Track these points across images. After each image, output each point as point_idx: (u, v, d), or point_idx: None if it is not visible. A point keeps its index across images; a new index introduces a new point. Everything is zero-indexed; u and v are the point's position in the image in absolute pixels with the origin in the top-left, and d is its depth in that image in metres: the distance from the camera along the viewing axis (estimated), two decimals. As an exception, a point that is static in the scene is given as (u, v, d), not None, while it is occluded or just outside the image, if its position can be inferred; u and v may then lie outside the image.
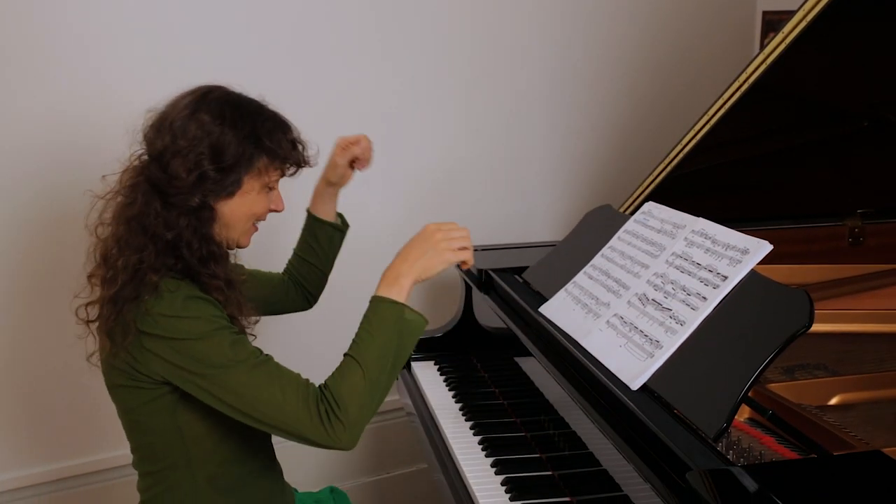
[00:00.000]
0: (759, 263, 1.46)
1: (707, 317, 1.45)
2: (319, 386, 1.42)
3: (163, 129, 1.44)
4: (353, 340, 1.46)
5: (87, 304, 1.50)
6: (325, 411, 1.37)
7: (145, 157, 1.48)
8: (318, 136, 2.18)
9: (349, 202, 2.61)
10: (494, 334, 2.17)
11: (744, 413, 1.49)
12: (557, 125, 2.93)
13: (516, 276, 2.09)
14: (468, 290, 2.28)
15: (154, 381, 1.44)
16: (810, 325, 1.28)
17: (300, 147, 1.55)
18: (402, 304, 1.47)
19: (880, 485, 1.15)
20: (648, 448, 1.31)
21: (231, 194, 1.47)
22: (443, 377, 2.19)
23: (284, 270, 1.98)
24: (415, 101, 2.69)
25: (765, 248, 1.46)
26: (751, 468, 1.18)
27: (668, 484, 1.22)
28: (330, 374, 1.43)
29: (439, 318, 2.62)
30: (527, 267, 2.08)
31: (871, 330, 1.87)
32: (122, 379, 1.46)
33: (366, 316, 1.48)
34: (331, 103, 2.53)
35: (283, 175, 1.56)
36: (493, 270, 2.13)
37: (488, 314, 2.15)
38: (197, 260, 1.44)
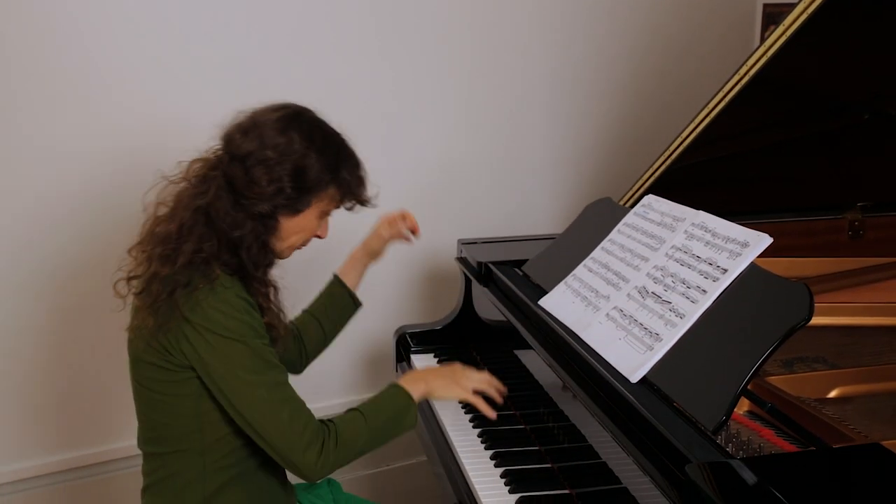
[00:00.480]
0: (758, 256, 1.46)
1: (707, 310, 1.45)
2: (325, 421, 1.53)
3: (251, 133, 1.51)
4: (366, 403, 1.60)
5: (129, 279, 1.54)
6: (324, 443, 1.49)
7: (224, 154, 1.54)
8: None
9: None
10: (494, 327, 2.17)
11: (743, 406, 1.50)
12: (557, 119, 2.92)
13: (516, 269, 2.09)
14: (468, 282, 2.28)
15: (184, 366, 1.49)
16: (810, 318, 1.28)
17: (365, 185, 1.66)
18: (414, 401, 1.62)
19: (879, 477, 1.15)
20: (648, 441, 1.31)
21: (297, 212, 1.56)
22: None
23: (297, 326, 1.97)
24: (414, 97, 2.69)
25: (765, 241, 1.47)
26: (750, 461, 1.18)
27: (667, 476, 1.23)
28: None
29: (439, 311, 2.63)
30: (526, 260, 2.08)
31: (870, 323, 1.87)
32: (153, 357, 1.50)
33: (383, 392, 1.63)
34: (330, 100, 2.49)
35: (338, 206, 1.65)
36: (493, 263, 2.13)
37: (488, 307, 2.15)
38: (253, 263, 1.52)
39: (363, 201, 1.67)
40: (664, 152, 2.05)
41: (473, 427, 1.87)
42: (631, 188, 2.16)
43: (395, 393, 1.62)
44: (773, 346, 1.28)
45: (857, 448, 1.29)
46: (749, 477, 1.13)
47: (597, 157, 3.02)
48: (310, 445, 1.47)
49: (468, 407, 1.97)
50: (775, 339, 1.28)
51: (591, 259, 1.82)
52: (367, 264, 2.03)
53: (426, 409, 2.04)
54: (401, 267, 2.80)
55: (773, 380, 1.59)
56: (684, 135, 1.99)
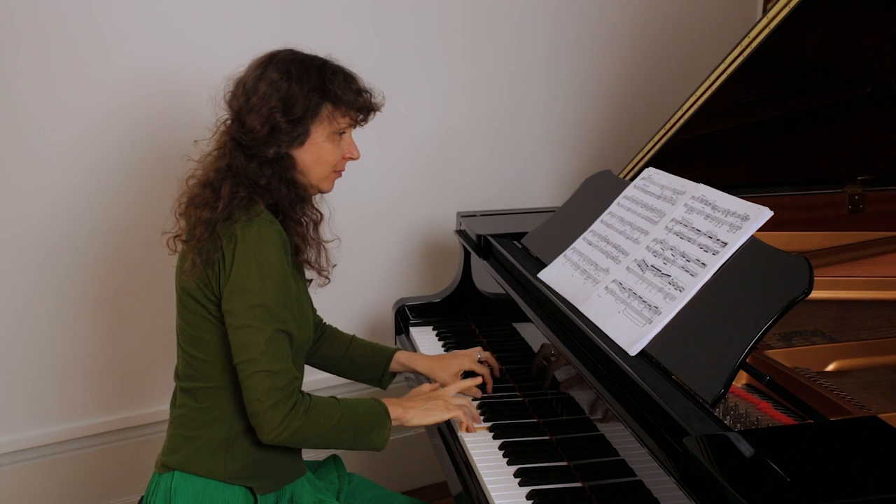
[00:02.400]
0: (759, 230, 1.46)
1: (706, 283, 1.44)
2: (303, 393, 1.57)
3: (238, 90, 1.62)
4: (347, 399, 1.63)
5: (175, 237, 1.64)
6: (293, 408, 1.52)
7: (229, 120, 1.64)
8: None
9: (347, 168, 2.61)
10: (493, 300, 2.17)
11: (741, 379, 1.50)
12: (557, 91, 2.90)
13: (515, 242, 2.09)
14: (467, 255, 2.28)
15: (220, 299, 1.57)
16: (809, 292, 1.28)
17: (366, 94, 1.67)
18: (390, 421, 1.65)
19: (876, 450, 1.15)
20: (646, 413, 1.32)
21: (302, 143, 1.61)
22: (441, 342, 2.20)
23: (327, 326, 2.00)
24: (413, 66, 2.67)
25: (765, 214, 1.46)
26: (748, 433, 1.18)
27: (665, 449, 1.23)
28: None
29: (438, 284, 2.63)
30: (526, 233, 2.07)
31: (869, 297, 1.87)
32: (199, 293, 1.58)
33: (367, 399, 1.67)
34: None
35: (354, 123, 1.68)
36: (492, 236, 2.13)
37: (487, 280, 2.15)
38: (288, 203, 1.61)
39: (368, 108, 1.68)
40: (665, 125, 2.04)
41: (472, 399, 1.87)
42: (631, 161, 2.15)
43: (376, 405, 1.66)
44: (772, 320, 1.28)
45: (854, 421, 1.30)
46: (746, 449, 1.13)
47: (597, 129, 3.00)
48: (279, 404, 1.51)
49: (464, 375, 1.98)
50: (775, 312, 1.28)
51: (591, 232, 1.81)
52: (417, 373, 1.98)
53: (424, 380, 2.04)
54: (400, 239, 2.79)
55: (771, 353, 1.59)
56: (685, 107, 1.98)
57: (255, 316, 1.52)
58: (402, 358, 1.96)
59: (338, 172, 1.71)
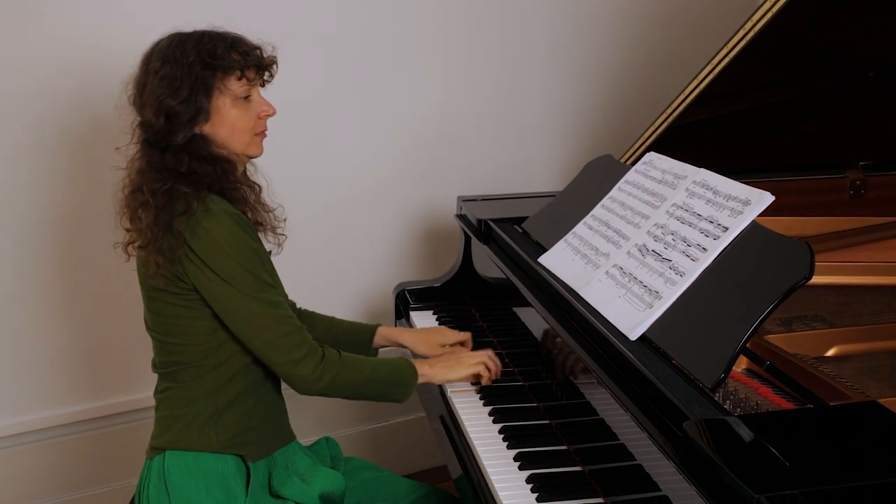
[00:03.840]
0: (760, 215, 1.45)
1: (707, 268, 1.44)
2: (336, 350, 1.65)
3: (133, 91, 1.62)
4: (374, 358, 1.73)
5: (128, 245, 1.65)
6: (323, 357, 1.60)
7: (136, 120, 1.64)
8: (309, 78, 2.12)
9: (344, 148, 2.61)
10: (493, 284, 2.17)
11: (741, 364, 1.50)
12: (558, 75, 2.89)
13: (516, 227, 2.08)
14: (468, 240, 2.28)
15: (194, 289, 1.58)
16: (810, 277, 1.27)
17: (256, 52, 1.64)
18: (416, 377, 1.73)
19: (876, 435, 1.16)
20: (646, 398, 1.32)
21: (206, 119, 1.59)
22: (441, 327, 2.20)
23: (302, 310, 1.99)
24: (414, 49, 2.66)
25: (766, 199, 1.46)
26: (747, 418, 1.18)
27: (664, 433, 1.23)
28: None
29: (438, 268, 2.63)
30: (526, 217, 2.07)
31: (869, 282, 1.87)
32: (168, 285, 1.58)
33: (394, 359, 1.75)
34: (324, 55, 2.50)
35: (250, 83, 1.64)
36: (493, 220, 2.13)
37: (487, 264, 2.15)
38: (216, 178, 1.59)
39: (260, 65, 1.64)
40: (666, 109, 2.03)
41: (472, 383, 1.88)
42: (632, 145, 2.14)
43: (404, 363, 1.73)
44: (773, 305, 1.28)
45: (854, 406, 1.30)
46: (746, 434, 1.14)
47: (598, 114, 2.99)
48: (307, 356, 1.58)
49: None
50: (775, 297, 1.28)
51: (592, 217, 1.81)
52: (401, 346, 2.03)
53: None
54: (400, 224, 2.79)
55: (771, 338, 1.59)
56: (687, 91, 1.97)
57: (249, 292, 1.55)
58: (385, 332, 2.00)
59: (261, 134, 1.68)
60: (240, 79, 1.61)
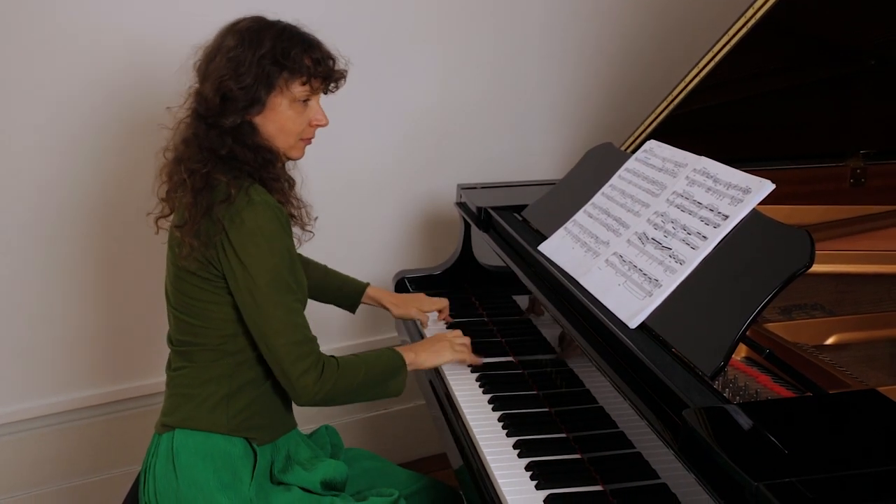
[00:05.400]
0: (760, 204, 1.45)
1: (707, 256, 1.44)
2: (329, 356, 1.63)
3: (200, 59, 1.62)
4: (365, 354, 1.70)
5: (159, 218, 1.67)
6: (324, 370, 1.59)
7: (194, 87, 1.63)
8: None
9: (343, 137, 2.60)
10: (493, 272, 2.17)
11: (741, 352, 1.50)
12: (558, 62, 2.88)
13: (515, 215, 2.08)
14: (467, 227, 2.28)
15: (224, 276, 1.59)
16: (811, 265, 1.27)
17: (329, 62, 1.64)
18: (406, 366, 1.74)
19: (875, 423, 1.16)
20: (645, 386, 1.32)
21: (260, 111, 1.59)
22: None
23: (301, 256, 2.01)
24: (413, 38, 2.64)
25: (767, 187, 1.45)
26: (746, 406, 1.19)
27: (664, 421, 1.23)
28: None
29: (438, 256, 2.62)
30: (526, 205, 2.07)
31: (869, 271, 1.87)
32: (198, 268, 1.59)
33: (381, 350, 1.74)
34: (324, 36, 2.48)
35: (313, 91, 1.64)
36: (493, 208, 2.12)
37: (487, 252, 2.15)
38: (256, 167, 1.60)
39: (329, 76, 1.65)
40: (667, 97, 2.03)
41: (471, 371, 1.88)
42: (632, 133, 2.14)
43: (392, 354, 1.73)
44: (773, 293, 1.28)
45: (853, 394, 1.30)
46: (745, 422, 1.14)
47: (598, 101, 2.98)
48: (310, 369, 1.57)
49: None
50: (775, 285, 1.28)
51: (592, 205, 1.81)
52: (382, 306, 2.13)
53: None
54: (400, 212, 2.79)
55: (771, 326, 1.59)
56: (688, 79, 1.97)
57: (273, 291, 1.55)
58: (371, 292, 2.10)
59: (306, 140, 1.69)
60: (304, 84, 1.61)
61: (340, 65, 1.67)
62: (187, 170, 1.56)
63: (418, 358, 1.78)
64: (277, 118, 1.61)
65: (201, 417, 1.64)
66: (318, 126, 1.68)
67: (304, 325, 1.60)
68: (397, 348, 1.76)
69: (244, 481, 1.61)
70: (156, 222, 1.67)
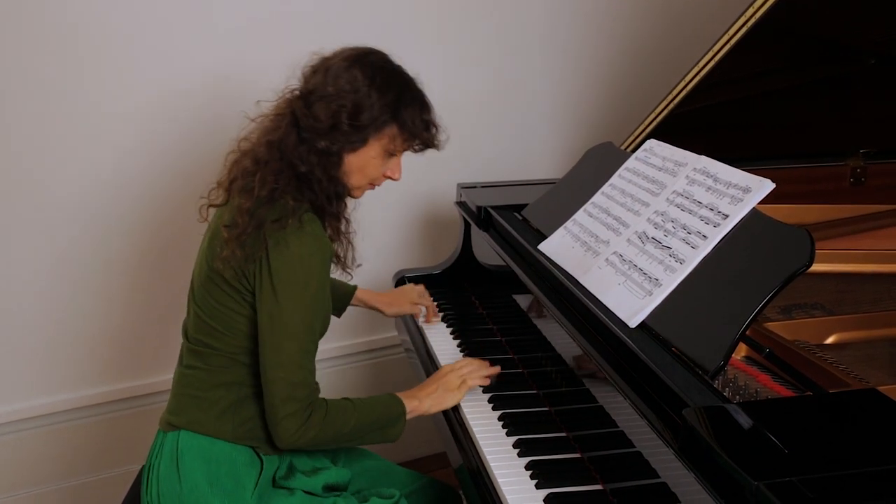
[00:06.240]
0: (760, 203, 1.45)
1: (707, 255, 1.44)
2: (322, 400, 1.59)
3: (319, 71, 1.60)
4: (361, 400, 1.65)
5: (209, 206, 1.66)
6: (310, 417, 1.55)
7: (297, 92, 1.62)
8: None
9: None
10: (493, 271, 2.17)
11: (741, 351, 1.50)
12: (558, 61, 2.88)
13: (515, 214, 2.08)
14: (467, 227, 2.28)
15: (253, 292, 1.58)
16: (810, 264, 1.27)
17: (433, 129, 1.66)
18: (405, 416, 1.69)
19: (875, 422, 1.16)
20: (645, 385, 1.32)
21: (356, 149, 1.60)
22: (441, 314, 2.20)
23: None
24: (413, 36, 2.64)
25: (767, 186, 1.45)
26: (746, 405, 1.19)
27: (664, 420, 1.23)
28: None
29: (438, 255, 2.63)
30: (526, 204, 2.07)
31: (869, 270, 1.87)
32: (233, 280, 1.58)
33: (381, 396, 1.69)
34: (319, 36, 2.47)
35: (408, 149, 1.67)
36: (493, 208, 2.12)
37: (487, 251, 2.15)
38: (325, 197, 1.60)
39: (429, 144, 1.67)
40: (667, 96, 2.03)
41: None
42: (632, 132, 2.14)
43: (391, 402, 1.69)
44: (773, 292, 1.28)
45: (853, 393, 1.30)
46: (745, 421, 1.14)
47: (598, 100, 2.98)
48: (297, 413, 1.54)
49: (466, 351, 1.98)
50: (775, 284, 1.28)
51: (592, 204, 1.81)
52: (372, 308, 2.16)
53: (423, 350, 2.05)
54: (400, 211, 2.79)
55: (771, 325, 1.59)
56: (688, 79, 1.97)
57: (294, 325, 1.53)
58: (361, 295, 2.12)
59: (372, 186, 1.70)
60: (405, 141, 1.64)
61: (441, 136, 1.69)
62: (261, 179, 1.55)
63: (423, 405, 1.73)
64: (364, 160, 1.62)
65: (208, 423, 1.63)
66: (389, 179, 1.70)
67: (309, 370, 1.58)
68: (400, 394, 1.71)
69: (247, 489, 1.60)
70: (206, 209, 1.66)
